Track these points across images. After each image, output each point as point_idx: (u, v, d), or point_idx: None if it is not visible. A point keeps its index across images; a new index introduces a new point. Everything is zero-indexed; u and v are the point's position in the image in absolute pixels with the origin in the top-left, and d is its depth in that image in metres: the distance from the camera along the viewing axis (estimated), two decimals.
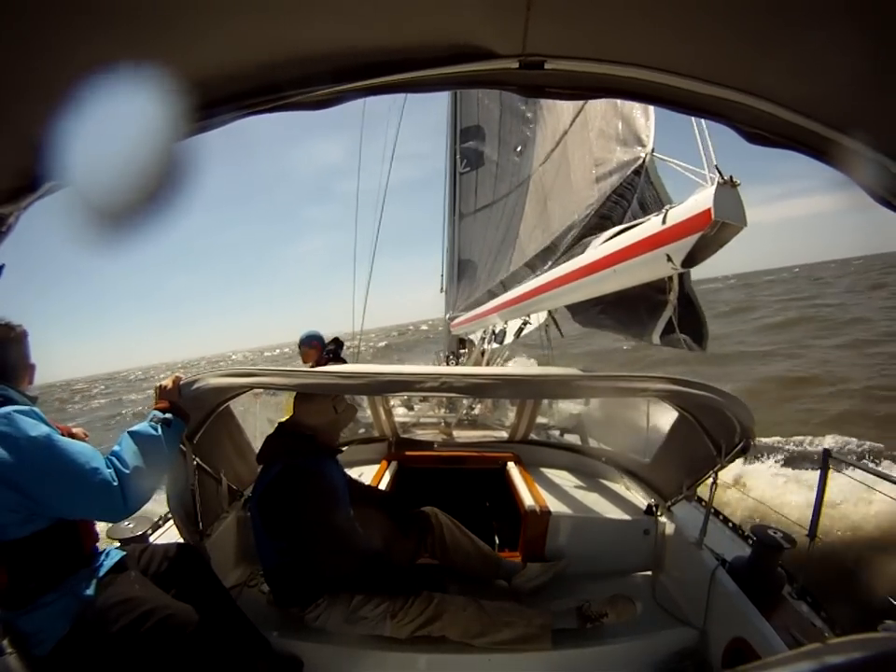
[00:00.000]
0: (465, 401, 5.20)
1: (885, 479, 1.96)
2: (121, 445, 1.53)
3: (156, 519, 2.60)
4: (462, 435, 4.38)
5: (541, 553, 2.50)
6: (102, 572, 1.57)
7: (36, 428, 1.38)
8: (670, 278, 2.06)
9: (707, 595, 2.01)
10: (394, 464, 3.35)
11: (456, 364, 6.98)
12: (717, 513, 2.69)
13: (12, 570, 1.40)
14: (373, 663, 1.91)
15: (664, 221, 1.89)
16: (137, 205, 0.78)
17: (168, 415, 1.67)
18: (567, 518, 2.54)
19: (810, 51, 0.80)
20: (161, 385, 1.77)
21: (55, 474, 1.37)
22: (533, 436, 3.84)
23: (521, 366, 6.68)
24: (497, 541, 3.00)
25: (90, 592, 1.50)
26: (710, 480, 2.14)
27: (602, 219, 2.71)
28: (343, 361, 4.43)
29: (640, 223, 2.11)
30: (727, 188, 1.65)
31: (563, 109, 3.69)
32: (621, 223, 2.47)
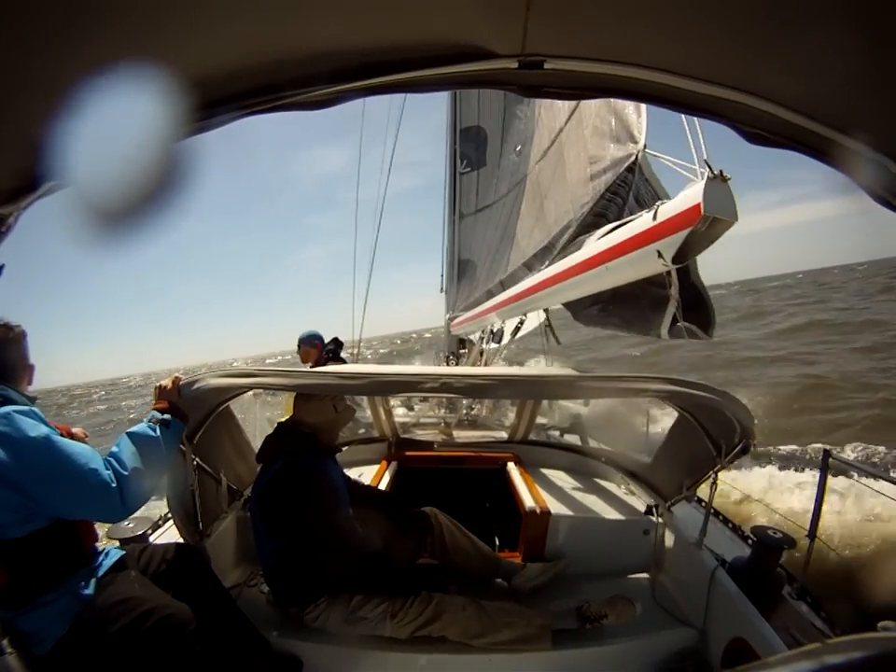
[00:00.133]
0: (465, 402, 5.20)
1: (884, 479, 1.96)
2: (120, 446, 1.52)
3: (156, 519, 2.60)
4: (462, 435, 4.38)
5: (541, 553, 2.49)
6: (101, 572, 1.57)
7: (36, 429, 1.38)
8: (669, 273, 2.05)
9: (707, 595, 2.01)
10: (394, 464, 3.34)
11: (457, 364, 6.98)
12: (717, 514, 2.69)
13: (12, 570, 1.40)
14: (373, 663, 1.91)
15: (654, 217, 1.88)
16: (137, 205, 0.78)
17: (167, 416, 1.66)
18: (567, 518, 2.54)
19: (810, 51, 0.80)
20: (160, 386, 1.77)
21: (54, 475, 1.37)
22: (532, 436, 3.84)
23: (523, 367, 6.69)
24: (497, 542, 3.00)
25: (89, 591, 1.50)
26: (710, 480, 2.14)
27: (597, 217, 2.71)
28: (343, 361, 4.43)
29: (632, 220, 2.11)
30: (717, 182, 1.64)
31: (559, 107, 3.69)
32: (616, 221, 2.47)
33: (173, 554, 1.83)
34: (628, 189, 2.48)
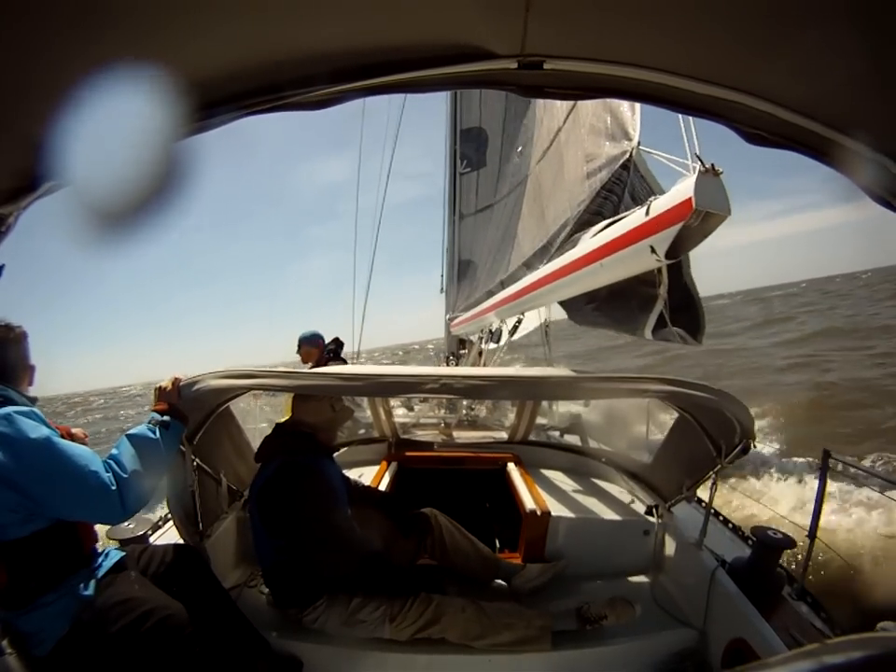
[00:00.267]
0: (465, 402, 5.20)
1: (884, 480, 1.96)
2: (119, 448, 1.52)
3: (156, 520, 2.60)
4: (462, 436, 4.38)
5: (541, 554, 2.49)
6: (101, 572, 1.57)
7: (37, 430, 1.38)
8: (659, 271, 2.05)
9: (707, 595, 2.00)
10: (394, 465, 3.34)
11: (457, 364, 6.99)
12: (717, 514, 2.69)
13: (12, 570, 1.40)
14: (373, 663, 1.90)
15: (647, 213, 1.88)
16: (137, 205, 0.78)
17: (166, 418, 1.66)
18: (567, 519, 2.54)
19: (809, 51, 0.80)
20: (160, 387, 1.76)
21: (54, 476, 1.37)
22: (533, 437, 3.84)
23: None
24: (497, 542, 3.00)
25: (89, 592, 1.50)
26: (710, 480, 2.14)
27: (594, 216, 2.71)
28: (344, 361, 4.43)
29: (626, 216, 2.10)
30: (709, 176, 1.63)
31: (558, 107, 3.69)
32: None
33: (173, 555, 1.83)
34: (623, 187, 2.48)
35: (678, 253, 1.80)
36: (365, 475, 3.11)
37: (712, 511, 2.24)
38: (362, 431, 4.27)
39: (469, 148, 6.86)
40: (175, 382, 1.76)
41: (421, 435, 4.23)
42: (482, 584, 2.35)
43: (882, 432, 7.96)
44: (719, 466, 2.01)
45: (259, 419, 3.37)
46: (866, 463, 6.47)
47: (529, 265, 3.71)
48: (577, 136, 3.18)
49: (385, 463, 3.33)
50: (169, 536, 2.36)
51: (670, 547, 2.44)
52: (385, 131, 7.87)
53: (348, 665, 1.92)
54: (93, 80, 0.70)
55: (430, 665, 1.89)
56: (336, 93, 0.94)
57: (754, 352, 16.51)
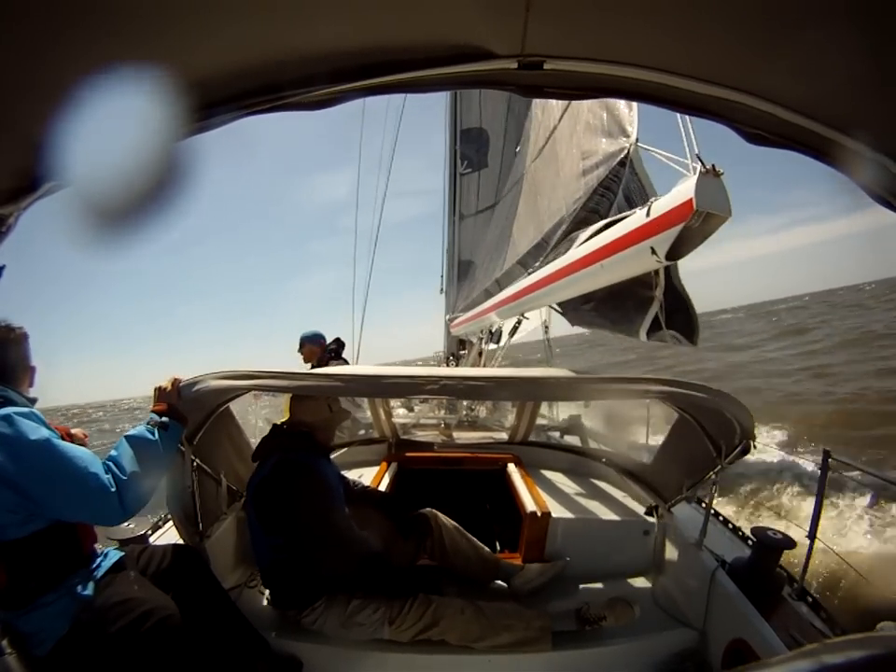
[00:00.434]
0: (465, 403, 5.20)
1: (884, 480, 1.96)
2: (118, 450, 1.52)
3: (156, 520, 2.60)
4: (462, 436, 4.38)
5: (541, 554, 2.49)
6: (101, 573, 1.57)
7: (37, 431, 1.38)
8: (656, 273, 2.05)
9: (707, 596, 2.00)
10: (394, 465, 3.34)
11: (457, 365, 6.99)
12: (717, 514, 2.69)
13: (11, 570, 1.40)
14: (373, 664, 1.90)
15: (648, 214, 1.87)
16: (138, 205, 0.78)
17: (165, 419, 1.66)
18: (567, 520, 2.53)
19: (810, 51, 0.80)
20: (159, 387, 1.75)
21: (54, 478, 1.37)
22: (533, 437, 3.84)
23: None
24: (497, 543, 3.00)
25: (88, 592, 1.49)
26: (710, 481, 2.13)
27: (590, 213, 2.71)
28: (345, 361, 4.43)
29: (626, 216, 2.10)
30: (710, 177, 1.62)
31: (554, 105, 3.70)
32: (607, 216, 2.47)
33: (172, 555, 1.82)
34: (619, 185, 2.48)
35: (678, 254, 1.79)
36: (365, 476, 3.11)
37: (712, 511, 2.23)
38: (362, 432, 4.27)
39: (470, 149, 6.86)
40: (175, 382, 1.75)
41: (421, 436, 4.23)
42: (481, 585, 2.35)
43: None
44: (719, 466, 2.01)
45: (259, 420, 3.37)
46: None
47: (524, 263, 3.71)
48: (573, 134, 3.19)
49: (384, 464, 3.33)
50: (169, 536, 2.36)
51: (670, 547, 2.44)
52: (383, 134, 7.93)
53: (348, 666, 1.92)
54: (94, 80, 0.70)
55: (430, 665, 1.89)
56: (336, 93, 0.94)
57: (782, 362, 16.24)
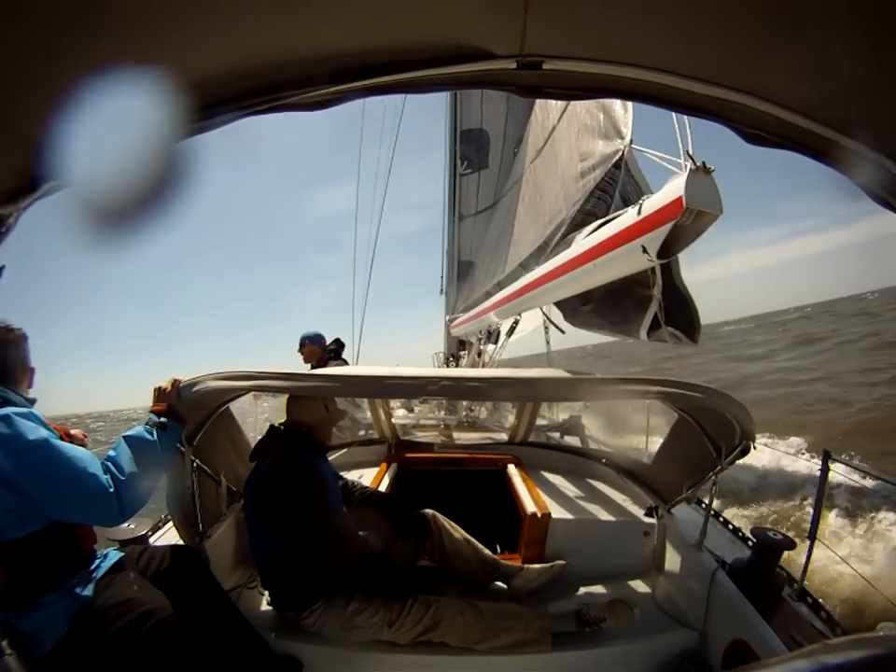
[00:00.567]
0: (464, 403, 5.20)
1: (884, 480, 1.96)
2: (117, 450, 1.51)
3: (156, 520, 2.59)
4: (462, 437, 4.38)
5: (541, 555, 2.49)
6: (100, 573, 1.56)
7: (35, 432, 1.37)
8: (653, 271, 2.04)
9: (707, 596, 2.00)
10: (394, 466, 3.34)
11: (457, 365, 6.99)
12: (717, 515, 2.69)
13: (11, 571, 1.40)
14: (374, 665, 1.90)
15: (639, 212, 1.87)
16: (138, 206, 0.78)
17: (163, 419, 1.66)
18: (567, 521, 2.53)
19: (809, 52, 0.80)
20: (159, 387, 1.75)
21: (52, 478, 1.37)
22: (533, 438, 3.84)
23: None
24: (497, 544, 3.00)
25: (88, 593, 1.49)
26: (710, 481, 2.13)
27: (587, 215, 2.71)
28: (345, 362, 4.43)
29: (618, 215, 2.10)
30: (700, 174, 1.61)
31: (552, 106, 3.69)
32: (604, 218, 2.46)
33: (172, 556, 1.82)
34: (615, 187, 2.48)
35: (669, 253, 1.79)
36: (365, 476, 3.11)
37: (712, 512, 2.23)
38: (362, 433, 4.27)
39: (470, 149, 6.87)
40: (175, 383, 1.75)
41: (421, 436, 4.23)
42: (481, 586, 2.34)
43: None
44: (719, 467, 2.01)
45: (262, 421, 3.37)
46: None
47: (525, 266, 3.71)
48: (571, 135, 3.19)
49: (384, 464, 3.33)
50: (169, 536, 2.35)
51: (670, 548, 2.44)
52: (380, 141, 8.02)
53: (348, 667, 1.92)
54: (94, 81, 0.70)
55: (430, 666, 1.89)
56: (336, 93, 0.94)
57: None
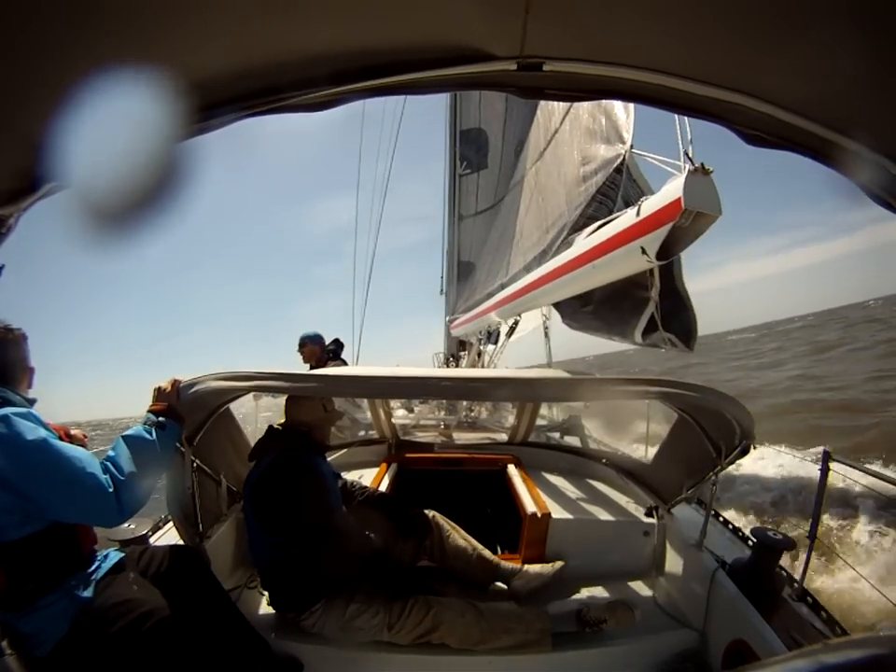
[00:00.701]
0: (464, 403, 5.20)
1: (884, 480, 1.96)
2: (116, 451, 1.51)
3: (156, 520, 2.59)
4: (462, 437, 4.38)
5: (541, 556, 2.49)
6: (100, 574, 1.56)
7: (34, 432, 1.37)
8: (651, 273, 2.04)
9: (707, 596, 2.00)
10: (394, 466, 3.34)
11: (457, 366, 7.00)
12: (717, 515, 2.69)
13: (10, 572, 1.40)
14: (374, 665, 1.90)
15: (638, 213, 1.87)
16: (138, 207, 0.78)
17: (161, 419, 1.65)
18: (568, 521, 2.53)
19: (809, 53, 0.80)
20: (159, 387, 1.75)
21: (51, 479, 1.36)
22: (533, 438, 3.84)
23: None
24: (497, 544, 3.00)
25: (88, 593, 1.49)
26: (710, 481, 2.13)
27: (589, 220, 2.70)
28: (344, 362, 4.44)
29: (617, 217, 2.09)
30: (698, 176, 1.61)
31: (555, 108, 3.69)
32: None
33: (173, 557, 1.82)
34: (617, 191, 2.48)
35: (669, 254, 1.79)
36: (365, 476, 3.11)
37: (712, 512, 2.23)
38: (362, 433, 4.27)
39: (470, 150, 6.87)
40: (175, 383, 1.75)
41: (421, 436, 4.23)
42: (481, 586, 2.34)
43: None
44: (719, 467, 2.01)
45: (259, 421, 3.37)
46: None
47: (529, 269, 3.72)
48: (573, 138, 3.19)
49: (384, 464, 3.33)
50: (169, 537, 2.35)
51: (670, 548, 2.44)
52: (378, 145, 8.08)
53: (349, 668, 1.92)
54: (94, 81, 0.70)
55: (431, 666, 1.89)
56: (336, 95, 0.94)
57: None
